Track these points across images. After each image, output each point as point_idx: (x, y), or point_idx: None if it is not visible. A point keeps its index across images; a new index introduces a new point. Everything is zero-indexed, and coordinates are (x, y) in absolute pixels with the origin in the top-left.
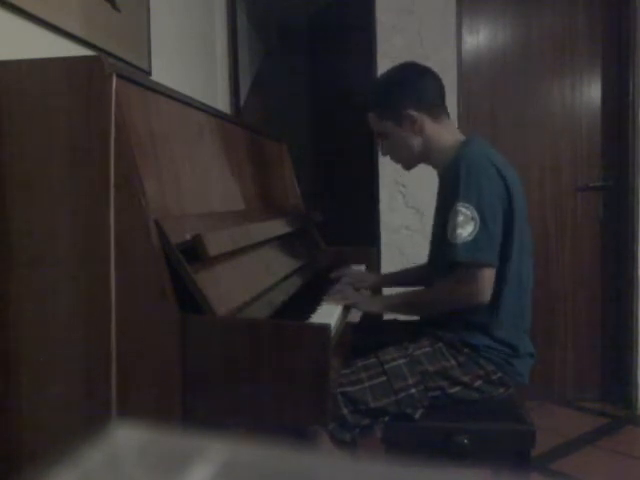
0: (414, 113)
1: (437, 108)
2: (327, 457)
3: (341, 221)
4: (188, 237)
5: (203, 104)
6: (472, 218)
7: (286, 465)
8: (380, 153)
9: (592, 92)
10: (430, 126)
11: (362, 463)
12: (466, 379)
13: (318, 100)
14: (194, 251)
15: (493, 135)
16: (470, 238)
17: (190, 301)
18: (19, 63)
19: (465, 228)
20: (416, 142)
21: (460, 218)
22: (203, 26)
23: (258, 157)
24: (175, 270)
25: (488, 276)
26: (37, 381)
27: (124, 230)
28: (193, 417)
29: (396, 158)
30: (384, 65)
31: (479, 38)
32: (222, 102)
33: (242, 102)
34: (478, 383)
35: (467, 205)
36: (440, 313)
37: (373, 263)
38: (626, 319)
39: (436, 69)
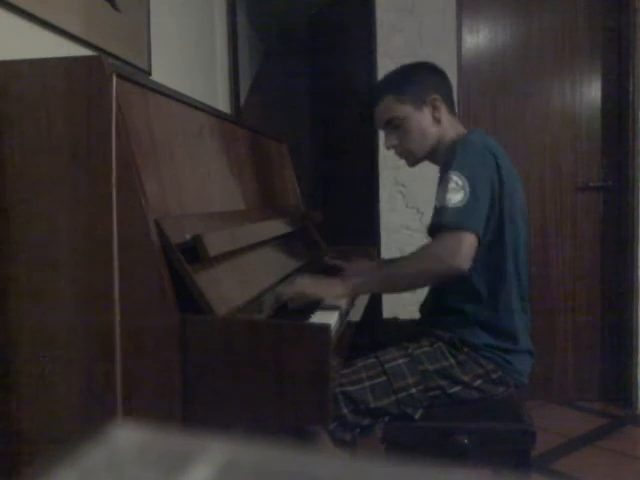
0: (438, 98)
1: (452, 102)
2: (327, 457)
3: (341, 221)
4: (188, 237)
5: (203, 104)
6: (463, 187)
7: (286, 465)
8: (385, 146)
9: (592, 92)
10: (446, 117)
11: (362, 463)
12: (466, 378)
13: (318, 100)
14: (194, 251)
15: (493, 135)
16: (460, 205)
17: (190, 301)
18: (19, 63)
19: (455, 195)
20: (432, 130)
21: (451, 185)
22: (203, 26)
23: (258, 157)
24: (175, 270)
25: (471, 242)
26: (37, 381)
27: (124, 230)
28: (193, 417)
29: (406, 148)
30: (384, 65)
31: (479, 38)
32: (222, 102)
33: (242, 102)
34: (478, 382)
35: (460, 175)
36: (415, 286)
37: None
38: (626, 319)
39: None
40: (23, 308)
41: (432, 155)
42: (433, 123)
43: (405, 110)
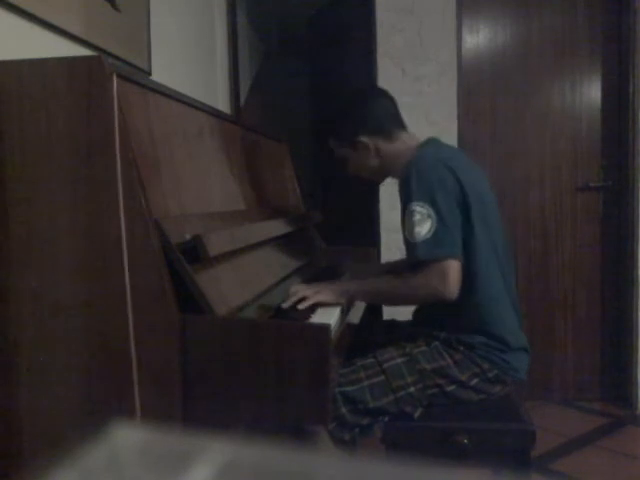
0: (365, 139)
1: (389, 129)
2: (327, 457)
3: (341, 221)
4: (188, 237)
5: (203, 104)
6: (428, 215)
7: (286, 465)
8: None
9: (592, 92)
10: (385, 147)
11: (362, 463)
12: (463, 377)
13: (318, 100)
14: (194, 251)
15: (493, 135)
16: (429, 235)
17: (190, 301)
18: (19, 63)
19: (423, 226)
20: (374, 163)
21: (416, 217)
22: (203, 26)
23: (258, 157)
24: (175, 270)
25: (453, 268)
26: (37, 381)
27: (124, 230)
28: (193, 417)
29: (361, 177)
30: (384, 65)
31: (479, 38)
32: (222, 102)
33: (242, 102)
34: (474, 381)
35: (421, 203)
36: (404, 305)
37: (373, 263)
38: (626, 319)
39: (436, 69)
40: (23, 309)
41: (390, 174)
42: (371, 158)
43: (344, 152)
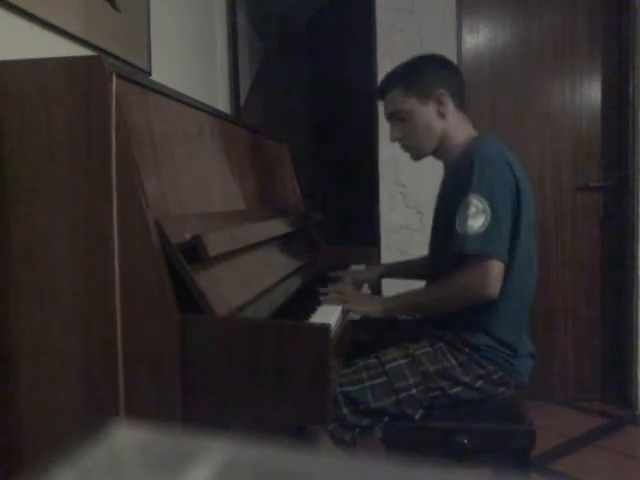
0: (444, 93)
1: (463, 98)
2: (327, 457)
3: (341, 221)
4: (188, 237)
5: (203, 104)
6: (484, 210)
7: (286, 465)
8: (390, 138)
9: (592, 92)
10: (453, 112)
11: (362, 463)
12: (467, 379)
13: (318, 100)
14: (194, 251)
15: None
16: (482, 230)
17: (190, 301)
18: (19, 63)
19: (477, 220)
20: (437, 125)
21: (472, 210)
22: (203, 26)
23: (258, 157)
24: (175, 270)
25: (497, 268)
26: (37, 381)
27: (124, 230)
28: (193, 417)
29: (411, 142)
30: (384, 65)
31: (479, 38)
32: (222, 102)
33: (242, 102)
34: (479, 383)
35: (480, 197)
36: (446, 312)
37: (373, 263)
38: (626, 319)
39: None
40: (23, 308)
41: (437, 151)
42: (438, 118)
43: (410, 103)
